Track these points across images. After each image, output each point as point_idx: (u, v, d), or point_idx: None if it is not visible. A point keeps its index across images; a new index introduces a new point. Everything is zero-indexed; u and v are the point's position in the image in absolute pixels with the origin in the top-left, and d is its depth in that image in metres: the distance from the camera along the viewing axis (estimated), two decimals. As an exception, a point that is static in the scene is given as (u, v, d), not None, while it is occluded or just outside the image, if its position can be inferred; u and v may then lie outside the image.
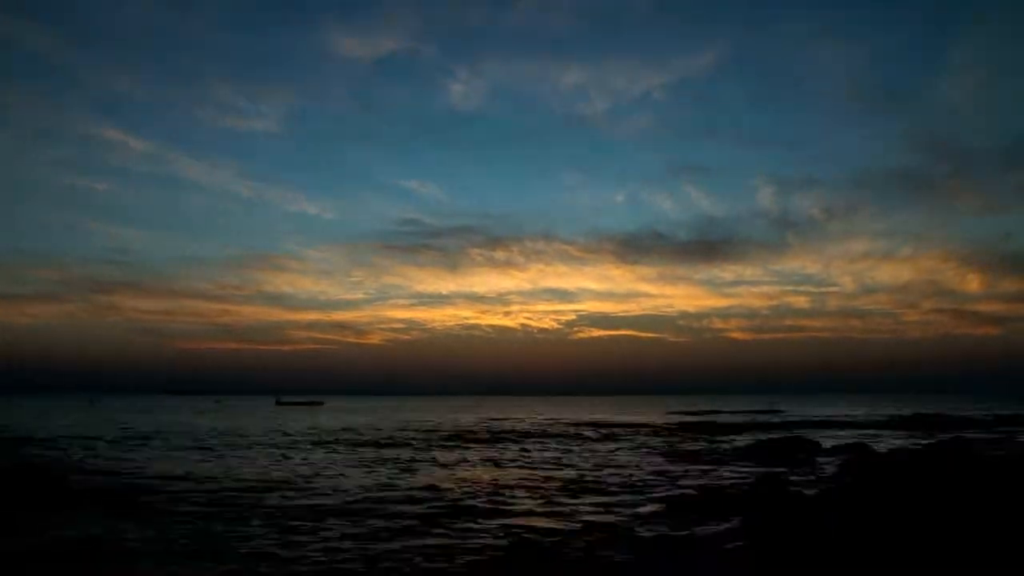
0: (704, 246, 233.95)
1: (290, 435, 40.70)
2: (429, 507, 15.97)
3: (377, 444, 34.93)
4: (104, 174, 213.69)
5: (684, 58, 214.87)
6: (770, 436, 35.34)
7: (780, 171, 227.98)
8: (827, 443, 31.47)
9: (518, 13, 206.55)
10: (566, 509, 15.69)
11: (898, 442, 33.88)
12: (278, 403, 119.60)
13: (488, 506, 16.12)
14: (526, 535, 12.58)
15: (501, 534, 12.92)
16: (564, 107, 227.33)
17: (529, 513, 15.25)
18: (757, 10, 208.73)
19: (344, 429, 47.05)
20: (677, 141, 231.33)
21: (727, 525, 12.39)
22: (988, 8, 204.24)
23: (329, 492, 18.34)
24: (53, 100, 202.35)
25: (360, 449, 32.18)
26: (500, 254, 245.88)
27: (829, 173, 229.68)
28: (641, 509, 15.39)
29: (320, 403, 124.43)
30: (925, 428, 46.33)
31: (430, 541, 12.47)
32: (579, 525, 13.46)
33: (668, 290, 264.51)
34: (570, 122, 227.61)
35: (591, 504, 16.36)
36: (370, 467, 24.68)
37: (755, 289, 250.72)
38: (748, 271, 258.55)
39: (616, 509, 15.58)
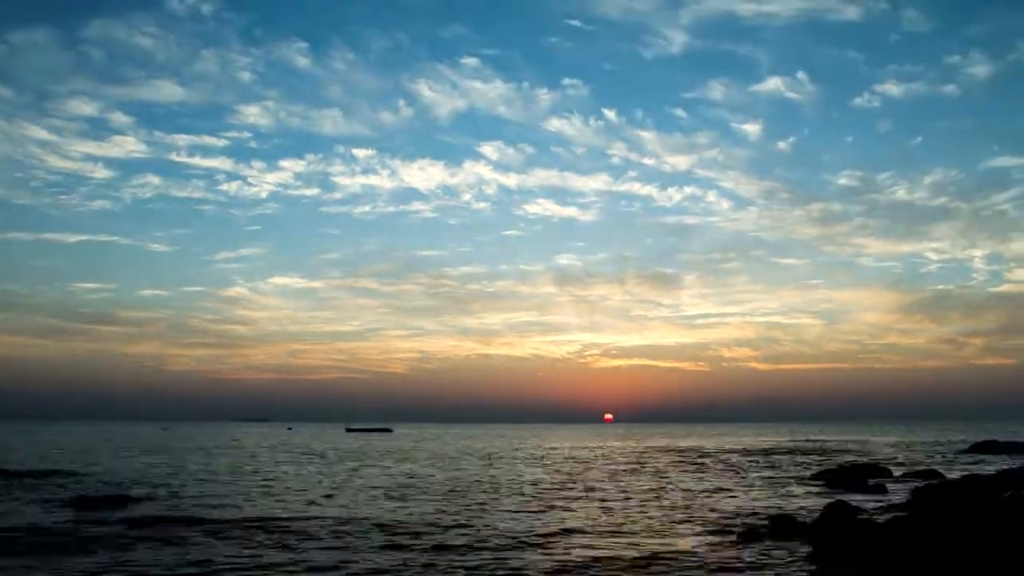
0: (642, 280, 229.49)
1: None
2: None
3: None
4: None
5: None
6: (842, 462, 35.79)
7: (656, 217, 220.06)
8: (897, 471, 32.20)
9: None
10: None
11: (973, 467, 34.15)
12: (348, 430, 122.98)
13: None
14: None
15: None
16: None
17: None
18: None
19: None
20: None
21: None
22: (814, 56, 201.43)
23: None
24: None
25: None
26: (461, 290, 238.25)
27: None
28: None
29: (389, 430, 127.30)
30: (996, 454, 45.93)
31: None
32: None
33: (649, 324, 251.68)
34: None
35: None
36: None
37: (729, 321, 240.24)
38: (706, 304, 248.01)
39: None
